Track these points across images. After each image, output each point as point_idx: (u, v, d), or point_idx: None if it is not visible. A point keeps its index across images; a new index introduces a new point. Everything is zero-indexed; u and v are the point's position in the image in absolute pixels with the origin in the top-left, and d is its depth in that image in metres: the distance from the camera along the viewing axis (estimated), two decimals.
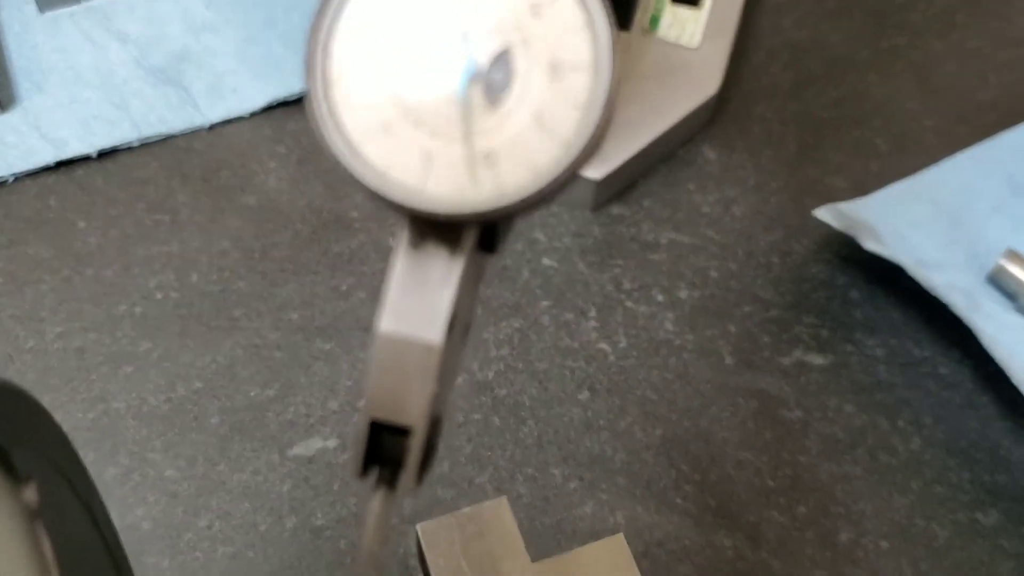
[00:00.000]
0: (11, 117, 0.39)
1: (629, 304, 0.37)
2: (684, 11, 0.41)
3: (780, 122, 0.41)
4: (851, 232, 0.36)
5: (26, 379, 0.33)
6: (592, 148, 0.13)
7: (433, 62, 0.13)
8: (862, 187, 0.38)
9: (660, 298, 0.37)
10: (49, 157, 0.38)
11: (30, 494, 0.17)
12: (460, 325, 0.15)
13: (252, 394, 0.34)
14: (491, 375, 0.35)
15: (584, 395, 0.35)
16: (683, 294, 0.37)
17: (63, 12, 0.41)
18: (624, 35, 0.39)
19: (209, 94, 0.40)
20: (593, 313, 0.36)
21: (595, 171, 0.37)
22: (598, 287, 0.37)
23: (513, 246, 0.38)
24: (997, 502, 0.33)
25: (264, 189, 0.38)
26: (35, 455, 0.18)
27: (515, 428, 0.34)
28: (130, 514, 0.32)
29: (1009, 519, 0.33)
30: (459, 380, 0.35)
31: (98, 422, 0.33)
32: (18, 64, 0.40)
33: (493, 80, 0.13)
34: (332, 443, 0.33)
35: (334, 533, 0.32)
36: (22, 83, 0.40)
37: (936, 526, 0.32)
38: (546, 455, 0.33)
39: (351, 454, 0.14)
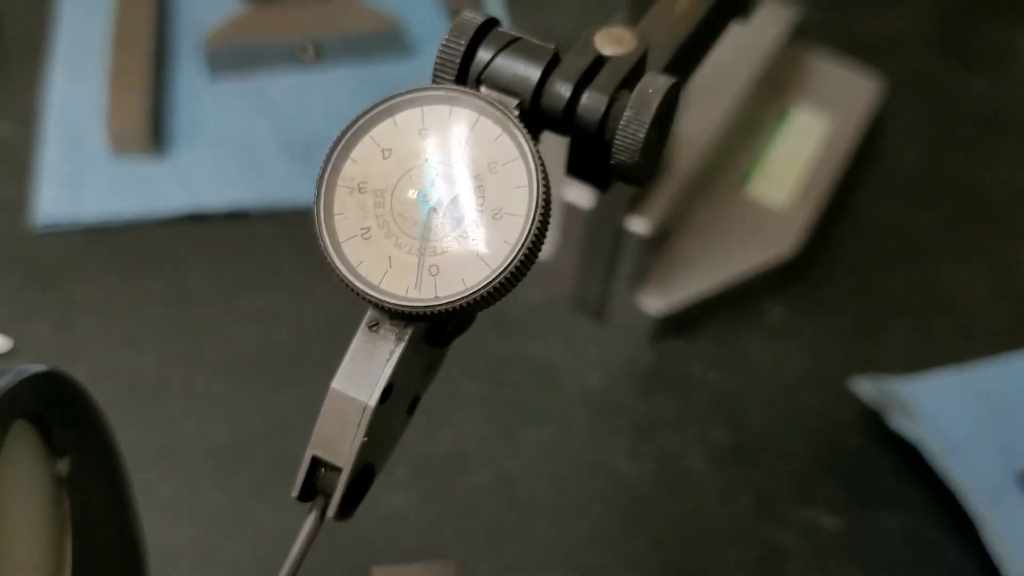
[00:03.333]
0: (161, 166, 0.45)
1: (663, 433, 0.39)
2: (777, 173, 0.44)
3: (849, 294, 0.43)
4: (881, 408, 0.37)
5: (111, 396, 0.38)
6: (512, 274, 0.16)
7: (408, 195, 0.17)
8: (913, 369, 0.40)
9: (694, 434, 0.39)
10: (184, 207, 0.44)
11: (62, 466, 0.21)
12: (403, 398, 0.18)
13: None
14: (515, 472, 0.37)
15: (597, 509, 0.37)
16: (717, 435, 0.39)
17: (229, 85, 0.47)
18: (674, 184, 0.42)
19: None
20: (626, 434, 0.39)
21: (657, 306, 0.40)
22: (637, 411, 0.39)
23: (565, 358, 0.40)
24: None
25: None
26: (73, 435, 0.22)
27: (525, 525, 0.36)
28: (174, 530, 0.35)
29: None
30: (487, 470, 0.37)
31: (165, 445, 0.37)
32: (179, 122, 0.46)
33: (449, 214, 0.16)
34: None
35: None
36: (178, 139, 0.45)
37: None
38: (549, 556, 0.36)
39: (295, 482, 0.18)
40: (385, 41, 0.48)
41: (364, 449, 0.17)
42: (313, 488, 0.17)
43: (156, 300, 0.41)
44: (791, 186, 0.44)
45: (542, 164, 0.16)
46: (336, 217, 0.17)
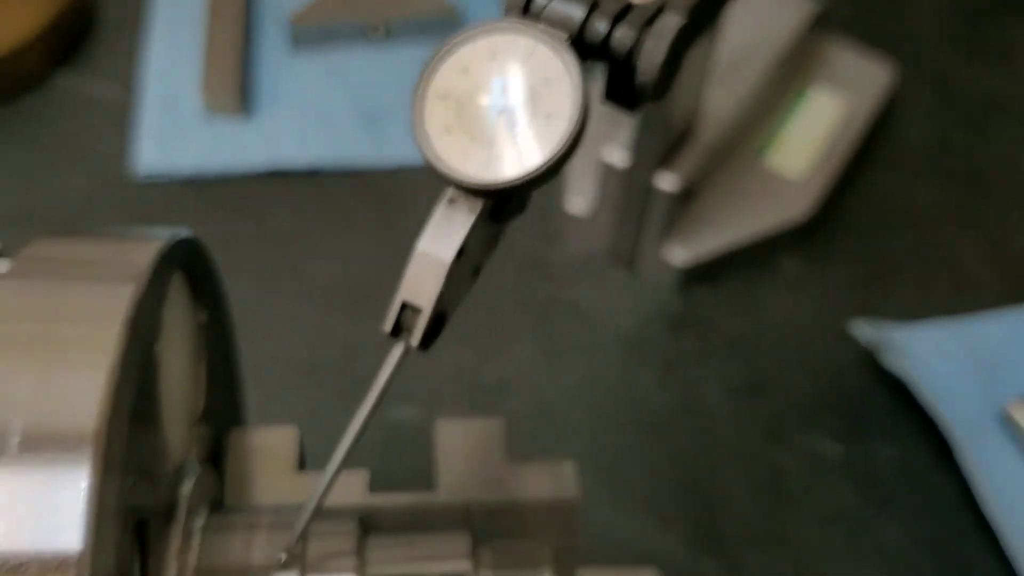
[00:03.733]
0: (248, 127, 0.50)
1: (686, 369, 0.44)
2: (793, 147, 0.49)
3: (855, 254, 0.48)
4: (877, 349, 0.42)
5: None
6: (557, 161, 0.21)
7: (481, 102, 0.22)
8: (909, 319, 0.45)
9: (714, 370, 0.44)
10: (267, 163, 0.49)
11: (202, 316, 0.27)
12: (469, 263, 0.23)
13: (374, 367, 0.43)
14: (555, 397, 0.43)
15: (627, 431, 0.42)
16: (733, 371, 0.44)
17: (308, 59, 0.53)
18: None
19: (398, 144, 0.50)
20: (654, 369, 0.44)
21: (683, 257, 0.45)
22: (664, 349, 0.44)
23: (601, 302, 0.46)
24: None
25: (410, 223, 0.48)
26: (207, 294, 0.28)
27: (561, 441, 0.41)
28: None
29: None
30: (529, 395, 0.43)
31: (251, 359, 0.43)
32: (264, 88, 0.52)
33: (511, 117, 0.22)
34: (413, 412, 0.42)
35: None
36: (263, 103, 0.51)
37: None
38: (583, 467, 0.41)
39: (386, 321, 0.23)
40: (444, 24, 0.54)
41: (440, 296, 0.22)
42: (400, 326, 0.23)
43: (245, 241, 0.47)
44: (806, 159, 0.49)
45: (584, 81, 0.22)
46: (427, 118, 0.22)
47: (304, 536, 0.24)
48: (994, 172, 0.51)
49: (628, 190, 0.44)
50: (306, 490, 0.25)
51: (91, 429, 0.18)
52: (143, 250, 0.22)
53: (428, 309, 0.22)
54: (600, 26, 0.23)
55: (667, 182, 0.43)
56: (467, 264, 0.23)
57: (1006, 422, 0.41)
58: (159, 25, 0.54)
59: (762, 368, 0.44)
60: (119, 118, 0.51)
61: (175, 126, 0.50)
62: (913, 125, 0.53)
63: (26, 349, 0.19)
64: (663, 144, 0.43)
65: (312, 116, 0.51)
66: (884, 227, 0.49)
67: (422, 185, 0.49)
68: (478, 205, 0.22)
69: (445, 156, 0.22)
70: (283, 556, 0.24)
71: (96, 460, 0.18)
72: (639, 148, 0.43)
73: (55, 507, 0.17)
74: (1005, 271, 0.47)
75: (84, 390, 0.18)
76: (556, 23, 0.23)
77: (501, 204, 0.23)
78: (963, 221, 0.49)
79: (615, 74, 0.23)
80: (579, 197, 0.47)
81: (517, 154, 0.22)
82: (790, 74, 0.50)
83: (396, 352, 0.23)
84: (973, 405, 0.42)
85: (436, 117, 0.22)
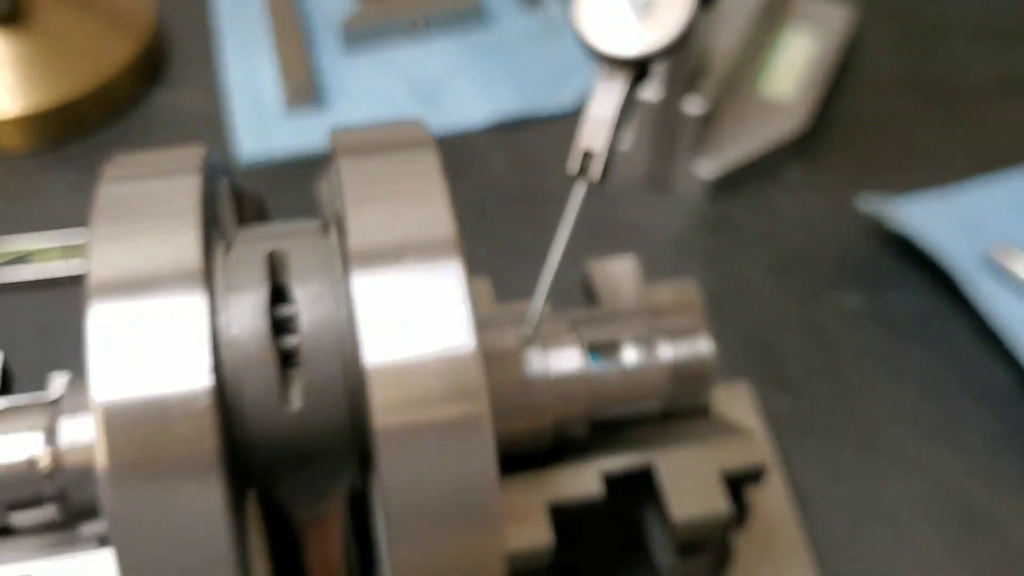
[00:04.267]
0: (323, 116, 0.59)
1: (724, 258, 0.53)
2: (780, 77, 0.59)
3: (847, 157, 0.58)
4: (879, 215, 0.52)
5: None
6: (682, 34, 0.31)
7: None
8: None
9: (748, 255, 0.53)
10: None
11: None
12: (625, 122, 0.32)
13: None
14: None
15: None
16: (764, 255, 0.53)
17: (360, 57, 0.62)
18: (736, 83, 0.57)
19: (454, 112, 0.60)
20: (697, 261, 0.53)
21: (710, 169, 0.55)
22: (704, 246, 0.54)
23: (647, 216, 0.55)
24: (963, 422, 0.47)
25: (482, 174, 0.57)
26: None
27: None
28: None
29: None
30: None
31: None
32: (329, 84, 0.61)
33: (644, 8, 0.31)
34: None
35: None
36: (331, 96, 0.60)
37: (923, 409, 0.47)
38: None
39: (570, 166, 0.32)
40: (469, 14, 0.64)
41: (611, 143, 0.32)
42: (583, 169, 0.32)
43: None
44: (792, 86, 0.59)
45: None
46: (585, 15, 0.31)
47: (539, 321, 0.32)
48: (949, 80, 0.62)
49: (661, 120, 0.54)
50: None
51: (454, 237, 0.26)
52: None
53: (603, 153, 0.32)
54: None
55: (693, 106, 0.53)
56: (624, 123, 0.32)
57: (991, 263, 0.51)
58: (229, 42, 0.62)
59: (786, 250, 0.53)
60: (211, 121, 0.59)
61: (263, 121, 0.59)
62: (876, 51, 0.63)
63: (389, 198, 0.27)
64: (685, 79, 0.53)
65: (375, 102, 0.60)
66: (865, 133, 0.59)
67: (479, 148, 0.58)
68: (626, 74, 0.32)
69: (600, 42, 0.31)
70: (528, 334, 0.32)
71: (462, 258, 0.25)
72: (668, 84, 0.52)
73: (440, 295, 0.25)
74: (972, 151, 0.57)
75: (439, 214, 0.26)
76: None
77: (641, 73, 0.32)
78: (929, 119, 0.59)
79: None
80: None
81: (652, 35, 0.31)
82: (771, 19, 0.61)
83: (581, 188, 0.32)
84: (965, 253, 0.51)
85: (592, 14, 0.32)
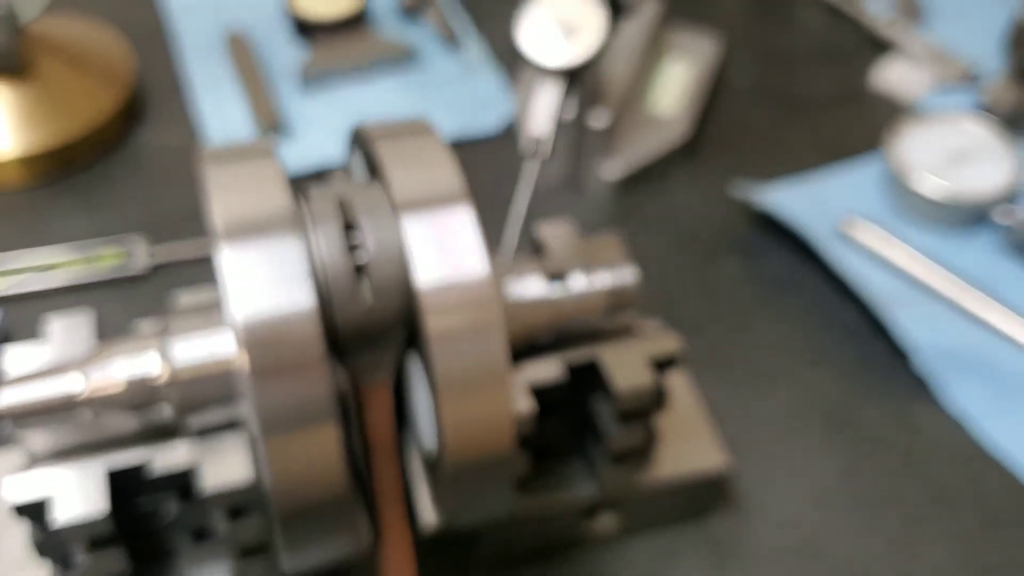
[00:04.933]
0: (291, 144, 0.70)
1: (633, 239, 0.66)
2: (664, 98, 0.73)
3: (722, 159, 0.72)
4: (749, 198, 0.66)
5: None
6: (599, 51, 0.43)
7: (554, 25, 0.44)
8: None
9: (650, 237, 0.66)
10: (311, 167, 0.69)
11: None
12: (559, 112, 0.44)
13: None
14: None
15: None
16: (663, 236, 0.66)
17: (316, 94, 0.74)
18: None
19: None
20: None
21: (613, 175, 0.68)
22: (617, 228, 0.66)
23: (569, 211, 0.67)
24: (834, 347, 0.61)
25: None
26: None
27: None
28: None
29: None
30: None
31: None
32: (292, 117, 0.72)
33: (571, 31, 0.44)
34: None
35: None
36: (295, 127, 0.71)
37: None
38: None
39: (524, 150, 0.44)
40: (405, 57, 0.76)
41: (553, 130, 0.44)
42: (533, 152, 0.44)
43: None
44: (674, 105, 0.73)
45: (607, 17, 0.44)
46: (526, 38, 0.44)
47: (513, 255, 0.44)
48: (798, 93, 0.77)
49: (573, 134, 0.67)
50: None
51: (465, 190, 0.37)
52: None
53: (549, 138, 0.44)
54: None
55: (599, 121, 0.66)
56: (559, 112, 0.45)
57: (839, 233, 0.65)
58: (199, 88, 0.73)
59: (678, 232, 0.67)
60: (191, 153, 0.70)
61: None
62: (739, 73, 0.78)
63: (415, 162, 0.38)
64: (589, 100, 0.66)
65: (329, 131, 0.71)
66: (735, 138, 0.73)
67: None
68: (559, 80, 0.44)
69: (538, 57, 0.44)
70: (507, 264, 0.44)
71: (472, 205, 0.37)
72: (578, 105, 0.65)
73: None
74: (818, 149, 0.72)
75: (451, 174, 0.38)
76: None
77: (570, 80, 0.45)
78: (784, 125, 0.74)
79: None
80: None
81: (575, 51, 0.44)
82: (654, 51, 0.75)
83: (534, 166, 0.44)
84: (819, 225, 0.65)
85: (531, 37, 0.44)
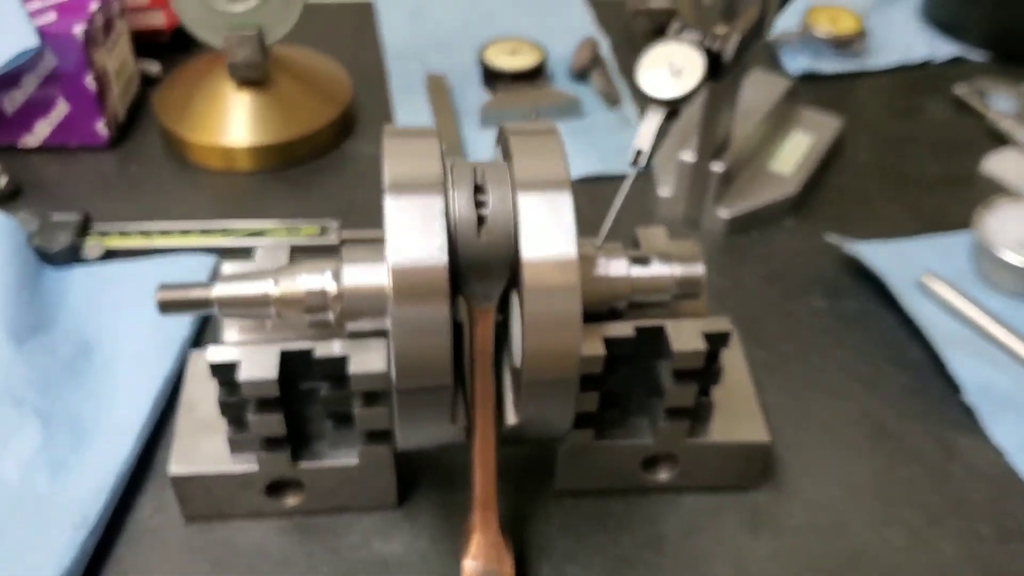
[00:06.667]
0: None
1: (735, 270, 0.77)
2: (786, 160, 0.84)
3: (829, 217, 0.82)
4: (842, 246, 0.76)
5: None
6: (694, 90, 0.56)
7: (663, 66, 0.57)
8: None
9: (751, 270, 0.77)
10: None
11: None
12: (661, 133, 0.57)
13: None
14: None
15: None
16: (763, 270, 0.77)
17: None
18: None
19: None
20: (715, 269, 0.77)
21: (727, 215, 0.80)
22: (721, 263, 0.78)
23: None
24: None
25: None
26: None
27: None
28: None
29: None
30: None
31: None
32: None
33: (677, 72, 0.57)
34: None
35: None
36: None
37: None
38: None
39: (630, 158, 0.56)
40: (571, 107, 0.91)
41: (653, 146, 0.57)
42: (635, 161, 0.57)
43: None
44: (793, 166, 0.84)
45: (705, 62, 0.56)
46: (643, 76, 0.57)
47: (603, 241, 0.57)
48: (907, 173, 0.87)
49: (695, 176, 0.79)
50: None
51: (568, 179, 0.50)
52: None
53: (647, 151, 0.57)
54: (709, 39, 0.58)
55: (717, 167, 0.78)
56: (659, 133, 0.58)
57: (918, 284, 0.75)
58: (400, 115, 0.90)
59: (775, 269, 0.77)
60: None
61: None
62: (856, 149, 0.89)
63: (536, 153, 0.52)
64: (713, 149, 0.78)
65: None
66: (840, 201, 0.84)
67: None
68: (662, 108, 0.57)
69: (650, 90, 0.57)
70: (598, 245, 0.57)
71: (571, 192, 0.50)
72: (700, 152, 0.78)
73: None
74: (916, 220, 0.82)
75: (560, 166, 0.51)
76: (691, 40, 0.58)
77: (672, 111, 0.58)
78: (888, 197, 0.84)
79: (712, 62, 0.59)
80: (666, 186, 0.82)
81: (678, 88, 0.57)
82: (781, 122, 0.86)
83: (634, 172, 0.57)
84: (900, 276, 0.75)
85: (648, 76, 0.57)
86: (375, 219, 0.83)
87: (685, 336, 0.55)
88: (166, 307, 0.54)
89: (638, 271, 0.56)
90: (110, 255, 0.75)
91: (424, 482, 0.61)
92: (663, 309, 0.57)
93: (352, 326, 0.54)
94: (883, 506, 0.61)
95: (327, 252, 0.76)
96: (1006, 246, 0.74)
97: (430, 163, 0.50)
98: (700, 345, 0.54)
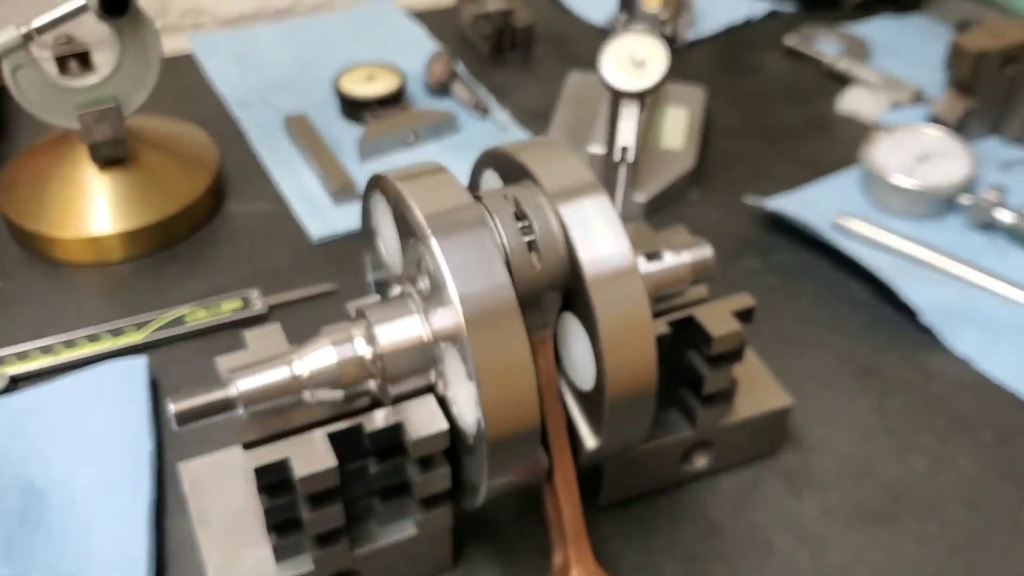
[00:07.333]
0: (358, 204, 0.81)
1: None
2: (669, 136, 0.86)
3: (724, 181, 0.85)
4: (759, 205, 0.78)
5: None
6: (662, 79, 0.56)
7: (629, 58, 0.57)
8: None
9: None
10: None
11: None
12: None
13: None
14: None
15: None
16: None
17: (372, 161, 0.85)
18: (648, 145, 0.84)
19: None
20: None
21: (642, 199, 0.80)
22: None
23: None
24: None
25: None
26: None
27: None
28: None
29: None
30: None
31: None
32: (358, 180, 0.83)
33: (640, 63, 0.56)
34: None
35: None
36: (361, 187, 0.83)
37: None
38: None
39: (613, 156, 0.55)
40: (446, 123, 0.88)
41: (636, 141, 0.56)
42: (622, 158, 0.56)
43: None
44: (680, 141, 0.86)
45: (667, 52, 0.56)
46: (608, 67, 0.56)
47: None
48: (772, 125, 0.91)
49: (606, 166, 0.79)
50: None
51: (596, 180, 0.49)
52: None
53: (633, 145, 0.56)
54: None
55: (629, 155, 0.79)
56: (637, 126, 0.57)
57: (836, 226, 0.78)
58: (273, 165, 0.84)
59: (704, 238, 0.79)
60: (276, 218, 0.81)
61: (319, 212, 0.80)
62: (723, 113, 0.92)
63: (554, 165, 0.49)
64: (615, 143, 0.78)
65: None
66: (730, 166, 0.86)
67: None
68: (636, 100, 0.57)
69: (619, 85, 0.56)
70: None
71: (606, 194, 0.48)
72: (607, 143, 0.78)
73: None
74: (801, 168, 0.86)
75: (586, 173, 0.49)
76: (645, 30, 0.58)
77: (642, 102, 0.57)
78: (765, 151, 0.88)
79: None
80: None
81: (646, 79, 0.56)
82: (655, 100, 0.88)
83: (624, 169, 0.56)
84: (819, 223, 0.78)
85: (612, 71, 0.57)
86: (290, 279, 0.78)
87: (718, 319, 0.55)
88: (184, 419, 0.48)
89: (655, 266, 0.55)
90: (16, 383, 0.66)
91: (473, 537, 0.58)
92: (671, 301, 0.57)
93: (395, 389, 0.50)
94: (894, 440, 0.64)
95: (257, 321, 0.70)
96: (895, 171, 0.79)
97: (460, 197, 0.47)
98: (734, 326, 0.54)
